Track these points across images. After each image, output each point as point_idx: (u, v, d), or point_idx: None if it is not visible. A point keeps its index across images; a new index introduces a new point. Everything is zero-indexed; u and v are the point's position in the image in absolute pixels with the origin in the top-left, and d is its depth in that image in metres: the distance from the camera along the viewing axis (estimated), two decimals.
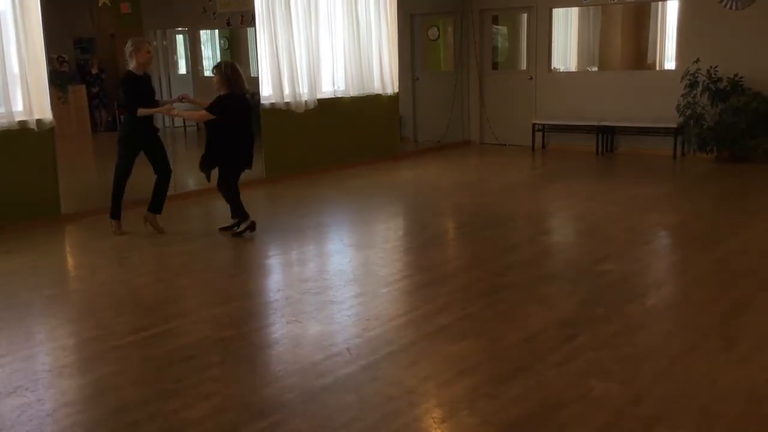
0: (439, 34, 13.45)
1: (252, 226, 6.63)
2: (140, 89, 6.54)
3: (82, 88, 15.08)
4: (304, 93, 9.86)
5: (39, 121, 7.34)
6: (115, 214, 6.92)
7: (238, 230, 6.65)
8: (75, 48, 16.28)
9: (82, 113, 15.00)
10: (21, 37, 7.13)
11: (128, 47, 6.56)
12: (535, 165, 11.04)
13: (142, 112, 6.49)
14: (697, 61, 10.05)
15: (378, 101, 11.05)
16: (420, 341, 4.25)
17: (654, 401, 3.43)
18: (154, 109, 6.64)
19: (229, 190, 6.66)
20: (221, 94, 6.42)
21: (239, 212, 6.65)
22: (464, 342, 4.23)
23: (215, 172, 6.63)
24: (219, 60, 16.22)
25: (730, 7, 10.13)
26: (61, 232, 7.35)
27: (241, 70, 6.49)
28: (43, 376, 3.91)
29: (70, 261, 6.58)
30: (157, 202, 6.93)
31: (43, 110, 7.37)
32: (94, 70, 15.87)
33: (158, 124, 7.39)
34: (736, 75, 9.95)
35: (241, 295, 5.27)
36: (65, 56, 15.26)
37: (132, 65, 6.53)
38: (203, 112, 6.48)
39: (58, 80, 13.46)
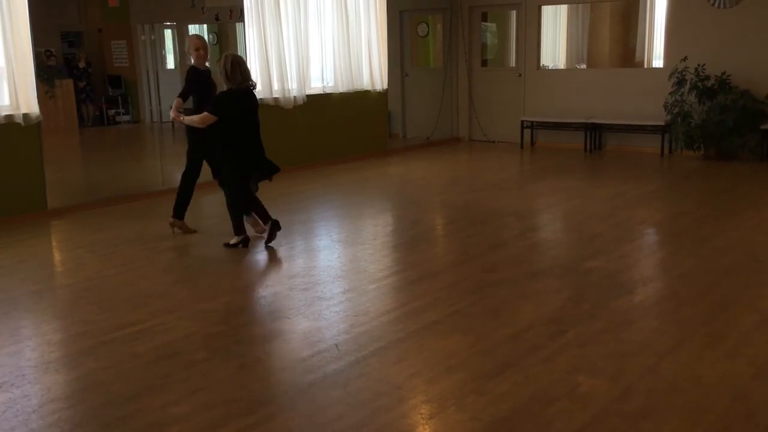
0: (428, 31, 13.46)
1: (245, 242, 6.24)
2: (195, 83, 6.52)
3: (70, 82, 15.01)
4: (293, 88, 9.85)
5: (25, 116, 7.29)
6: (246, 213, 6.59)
7: (230, 242, 6.24)
8: (62, 42, 16.19)
9: (69, 107, 14.92)
10: (8, 30, 7.08)
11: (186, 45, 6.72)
12: (524, 162, 11.06)
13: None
14: (685, 59, 10.10)
15: (367, 97, 11.05)
16: (408, 337, 4.25)
17: (641, 397, 3.44)
18: (172, 110, 6.55)
19: (229, 197, 6.25)
20: (222, 90, 6.08)
21: (235, 226, 6.21)
22: (452, 338, 4.23)
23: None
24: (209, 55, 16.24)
25: (718, 6, 10.17)
26: (48, 226, 7.31)
27: (242, 61, 6.08)
28: (29, 372, 3.88)
29: (57, 256, 6.55)
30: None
31: (29, 104, 7.32)
32: (82, 64, 15.79)
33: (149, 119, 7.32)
34: (723, 73, 10.00)
35: (228, 290, 5.25)
36: (52, 50, 15.17)
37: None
38: (205, 114, 6.04)
39: (45, 74, 13.39)
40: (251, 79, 6.13)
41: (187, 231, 6.73)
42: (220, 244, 6.31)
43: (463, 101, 12.92)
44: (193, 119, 6.19)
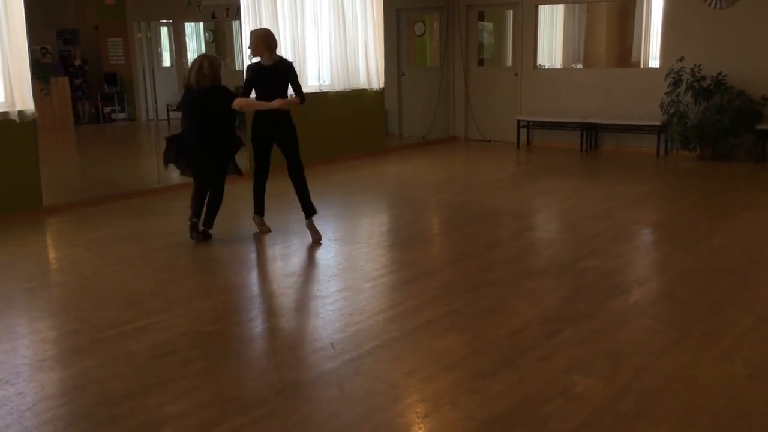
0: (425, 30, 13.45)
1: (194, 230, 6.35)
2: (253, 80, 6.29)
3: (65, 79, 14.97)
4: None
5: (21, 113, 7.26)
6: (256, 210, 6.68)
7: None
8: (58, 39, 16.15)
9: (65, 105, 14.88)
10: (3, 27, 7.05)
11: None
12: (520, 161, 11.06)
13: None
14: (681, 59, 10.11)
15: (363, 96, 11.04)
16: (404, 336, 4.25)
17: (636, 397, 3.45)
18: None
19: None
20: None
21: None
22: (448, 337, 4.23)
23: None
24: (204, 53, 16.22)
25: (715, 6, 10.19)
26: (43, 224, 7.29)
27: (200, 64, 6.15)
28: (24, 370, 3.87)
29: (52, 254, 6.53)
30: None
31: (25, 101, 7.29)
32: (78, 62, 15.75)
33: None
34: (719, 73, 10.02)
35: (224, 289, 5.25)
36: (48, 47, 15.13)
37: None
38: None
39: (40, 72, 13.35)
40: (203, 81, 6.13)
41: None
42: (216, 243, 6.30)
43: (459, 100, 12.92)
44: None
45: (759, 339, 4.15)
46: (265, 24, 9.44)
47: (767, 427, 3.20)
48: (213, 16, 14.90)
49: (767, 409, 3.33)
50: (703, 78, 10.07)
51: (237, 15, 9.95)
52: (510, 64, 12.48)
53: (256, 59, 6.28)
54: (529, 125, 12.00)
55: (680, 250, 5.99)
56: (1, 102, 7.21)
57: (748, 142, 9.94)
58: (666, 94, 10.28)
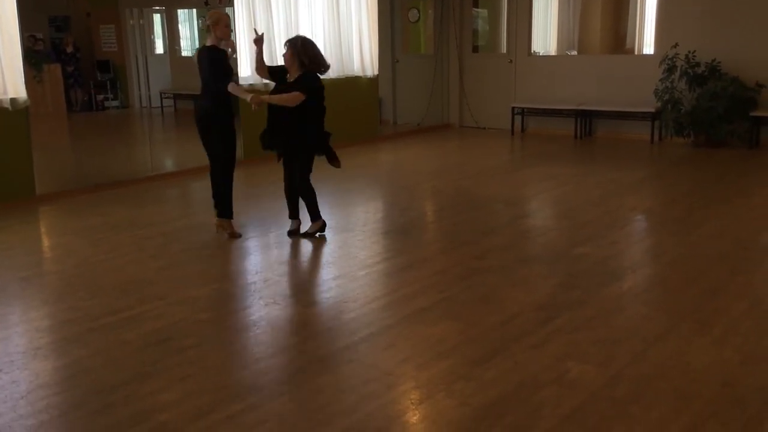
0: (419, 16, 13.41)
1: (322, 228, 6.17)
2: (226, 64, 6.00)
3: (57, 67, 14.89)
4: None
5: (13, 100, 7.23)
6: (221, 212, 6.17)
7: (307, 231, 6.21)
8: (50, 26, 16.06)
9: (57, 92, 14.81)
10: None
11: (207, 20, 6.04)
12: (514, 148, 11.06)
13: (233, 88, 5.90)
14: (676, 46, 10.10)
15: (358, 83, 11.01)
16: (398, 324, 4.26)
17: (629, 383, 3.46)
18: (241, 90, 6.07)
19: None
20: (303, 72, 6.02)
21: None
22: (442, 324, 4.24)
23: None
24: (198, 40, 16.15)
25: None
26: (36, 213, 7.26)
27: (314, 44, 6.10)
28: (18, 358, 3.87)
29: (45, 242, 6.51)
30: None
31: (17, 89, 7.25)
32: (70, 49, 15.67)
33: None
34: (713, 60, 10.02)
35: (218, 277, 5.24)
36: (40, 35, 15.04)
37: (210, 40, 5.98)
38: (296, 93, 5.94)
39: (32, 59, 13.27)
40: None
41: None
42: (207, 231, 6.27)
43: (453, 87, 12.90)
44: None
45: (752, 325, 4.16)
46: (258, 10, 9.40)
47: (759, 412, 3.22)
48: (206, 3, 14.81)
49: (759, 395, 3.35)
50: (698, 64, 10.06)
51: (230, 1, 9.89)
52: (504, 51, 12.46)
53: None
54: (524, 112, 11.99)
55: (674, 237, 6.00)
56: None
57: (742, 129, 9.95)
58: (660, 80, 10.27)
